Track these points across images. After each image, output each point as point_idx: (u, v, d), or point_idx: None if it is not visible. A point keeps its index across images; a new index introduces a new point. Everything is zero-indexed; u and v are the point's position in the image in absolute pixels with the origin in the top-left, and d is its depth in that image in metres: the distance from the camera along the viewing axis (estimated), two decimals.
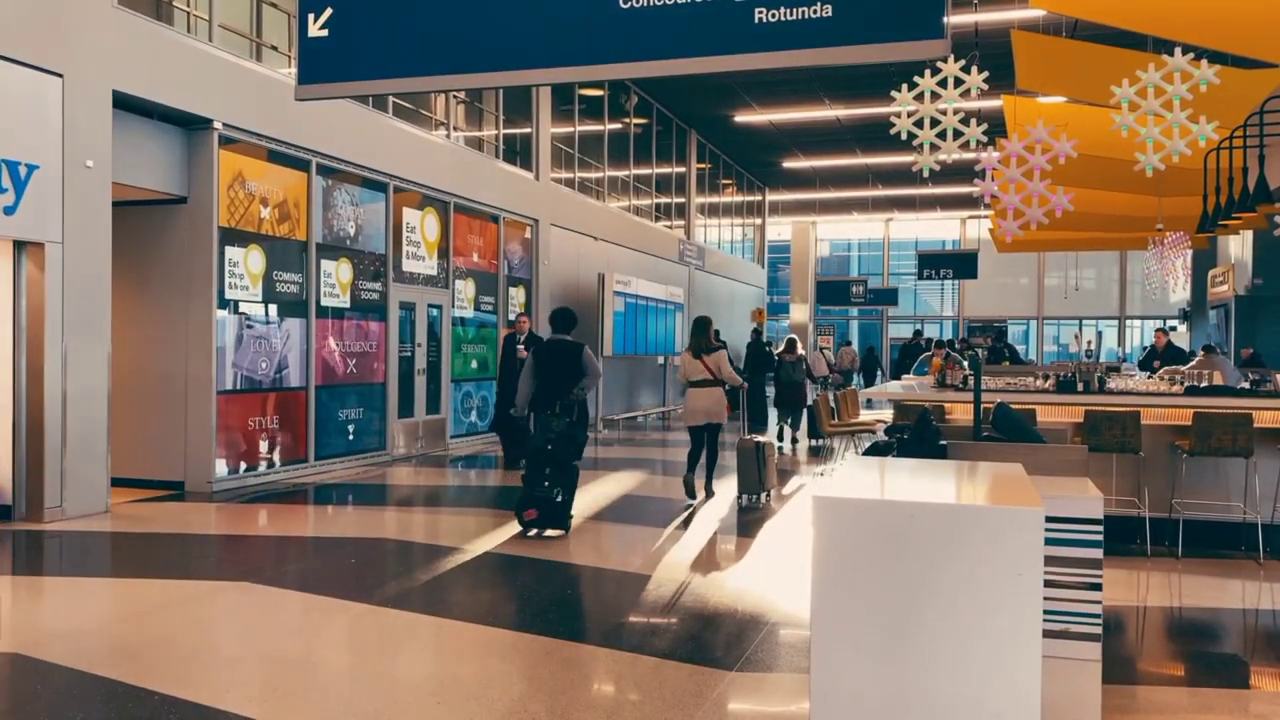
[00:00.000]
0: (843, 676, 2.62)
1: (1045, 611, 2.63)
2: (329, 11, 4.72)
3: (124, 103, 8.36)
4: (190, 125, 9.17)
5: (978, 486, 3.13)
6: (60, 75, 7.65)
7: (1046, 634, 2.76)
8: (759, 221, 29.61)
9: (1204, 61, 5.26)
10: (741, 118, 20.02)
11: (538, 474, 7.40)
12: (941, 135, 5.16)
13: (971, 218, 30.22)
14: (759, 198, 28.96)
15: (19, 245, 7.62)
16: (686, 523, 8.05)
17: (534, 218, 15.24)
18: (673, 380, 20.32)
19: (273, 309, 10.01)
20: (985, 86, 5.02)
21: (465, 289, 13.57)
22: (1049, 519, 2.96)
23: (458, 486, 10.64)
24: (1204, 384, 7.85)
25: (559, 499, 7.37)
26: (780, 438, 14.11)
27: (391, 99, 11.68)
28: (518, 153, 15.29)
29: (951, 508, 2.71)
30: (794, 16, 4.03)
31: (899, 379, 15.46)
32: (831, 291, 29.03)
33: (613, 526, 8.04)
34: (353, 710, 3.92)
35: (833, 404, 11.25)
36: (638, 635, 5.07)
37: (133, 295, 9.24)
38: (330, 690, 4.22)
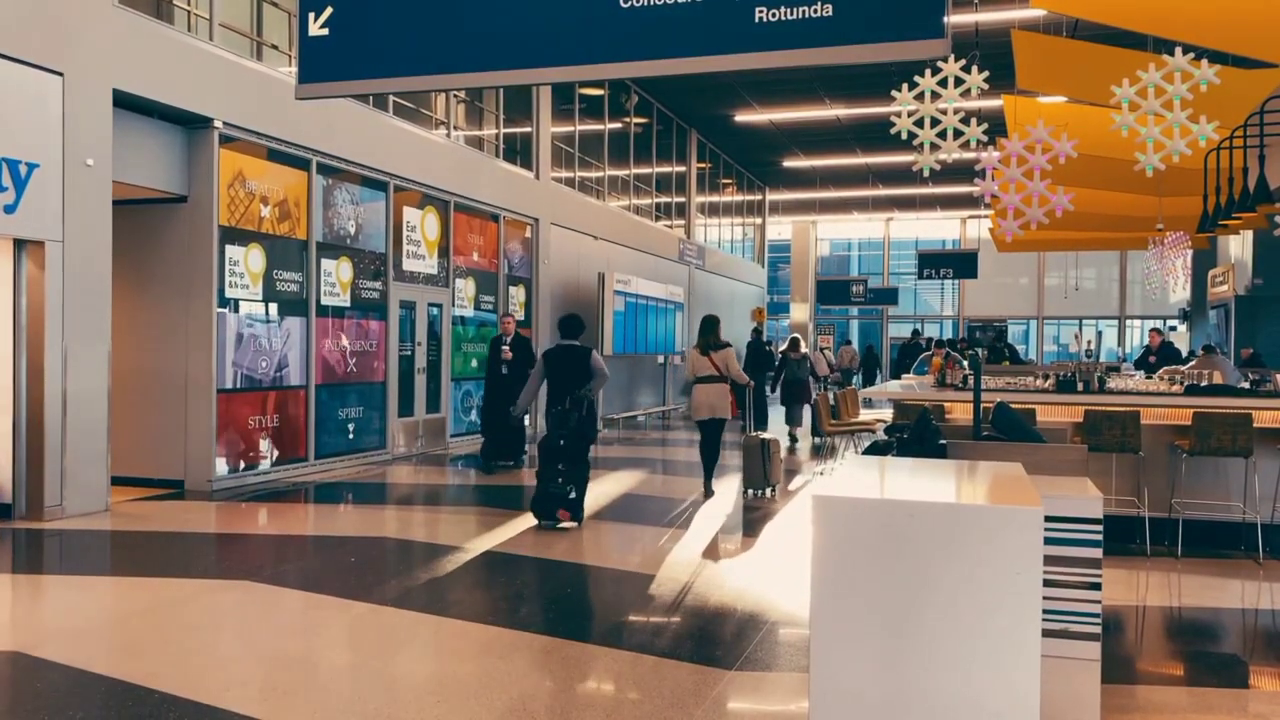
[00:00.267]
0: (842, 676, 2.63)
1: (1045, 611, 2.64)
2: (329, 10, 4.72)
3: (124, 101, 8.37)
4: (190, 124, 9.17)
5: (977, 486, 3.14)
6: (60, 74, 7.66)
7: (1046, 633, 2.77)
8: (759, 221, 29.59)
9: (1204, 61, 5.26)
10: (742, 117, 20.01)
11: (551, 470, 7.59)
12: (942, 135, 5.17)
13: (971, 217, 30.21)
14: (759, 197, 28.94)
15: (19, 244, 7.63)
16: (687, 521, 8.06)
17: (534, 217, 15.24)
18: (673, 379, 20.33)
19: (273, 308, 10.01)
20: (985, 86, 5.03)
21: (465, 288, 13.57)
22: (1048, 518, 2.96)
23: (458, 485, 10.64)
24: (1204, 384, 7.86)
25: (572, 495, 7.60)
26: (792, 439, 14.17)
27: (392, 98, 11.69)
28: (518, 152, 15.29)
29: (951, 507, 2.71)
30: (794, 16, 4.03)
31: (899, 378, 15.48)
32: (831, 291, 29.02)
33: (613, 525, 8.05)
34: (353, 709, 3.92)
35: (833, 403, 11.27)
36: (638, 634, 5.07)
37: (133, 294, 9.25)
38: (330, 689, 4.22)
